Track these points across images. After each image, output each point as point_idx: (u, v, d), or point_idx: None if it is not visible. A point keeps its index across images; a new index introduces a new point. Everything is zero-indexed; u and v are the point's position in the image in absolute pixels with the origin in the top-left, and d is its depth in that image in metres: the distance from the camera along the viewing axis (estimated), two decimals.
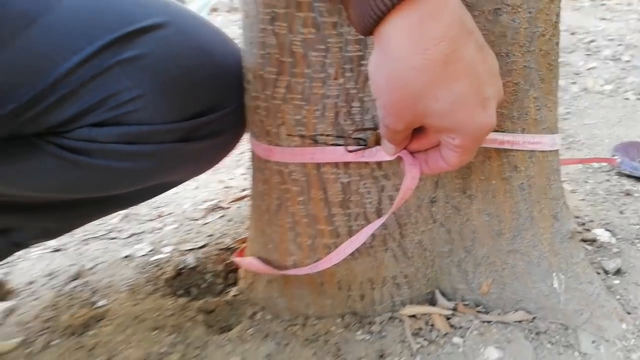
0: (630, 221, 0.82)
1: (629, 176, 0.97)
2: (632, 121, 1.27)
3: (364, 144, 0.50)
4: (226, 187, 1.02)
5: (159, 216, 0.91)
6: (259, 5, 0.48)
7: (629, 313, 0.59)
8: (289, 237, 0.56)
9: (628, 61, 2.00)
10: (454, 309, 0.58)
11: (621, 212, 0.85)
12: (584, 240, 0.76)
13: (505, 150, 0.51)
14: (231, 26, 2.51)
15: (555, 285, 0.55)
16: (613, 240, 0.76)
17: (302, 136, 0.51)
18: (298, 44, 0.47)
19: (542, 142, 0.51)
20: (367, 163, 0.51)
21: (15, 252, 0.66)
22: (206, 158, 0.60)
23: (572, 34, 2.54)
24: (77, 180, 0.53)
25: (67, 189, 0.55)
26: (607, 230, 0.79)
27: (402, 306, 0.58)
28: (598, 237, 0.76)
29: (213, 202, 0.92)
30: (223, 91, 0.55)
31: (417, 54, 0.33)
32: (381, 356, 0.53)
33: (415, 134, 0.44)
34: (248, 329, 0.57)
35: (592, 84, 1.80)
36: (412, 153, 0.45)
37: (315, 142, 0.51)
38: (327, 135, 0.50)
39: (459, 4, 0.35)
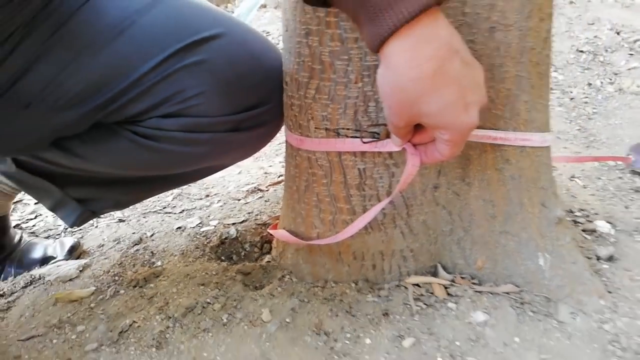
0: (633, 215, 0.88)
1: None
2: None
3: (377, 137, 0.60)
4: (265, 173, 1.14)
5: (207, 196, 1.04)
6: (296, 22, 0.59)
7: (610, 292, 0.67)
8: (314, 213, 0.67)
9: None
10: (452, 281, 0.67)
11: (626, 207, 0.91)
12: (584, 230, 0.83)
13: (499, 145, 0.60)
14: (277, 22, 2.63)
15: (541, 263, 0.64)
16: (612, 232, 0.83)
17: (327, 129, 0.62)
18: (326, 54, 0.58)
19: (532, 139, 0.60)
20: (379, 153, 0.61)
21: (91, 219, 0.80)
22: (250, 145, 0.72)
23: (618, 32, 2.50)
24: (146, 160, 0.66)
25: (137, 168, 0.69)
26: (609, 222, 0.85)
27: (408, 276, 0.69)
28: (598, 228, 0.83)
29: (253, 185, 1.05)
30: (267, 91, 0.66)
31: (412, 69, 0.43)
32: (385, 314, 0.63)
33: (417, 130, 0.54)
34: (277, 288, 0.69)
35: (629, 84, 1.81)
36: (415, 145, 0.55)
37: (337, 134, 0.61)
38: (348, 129, 0.61)
39: (448, 29, 0.44)
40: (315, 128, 0.62)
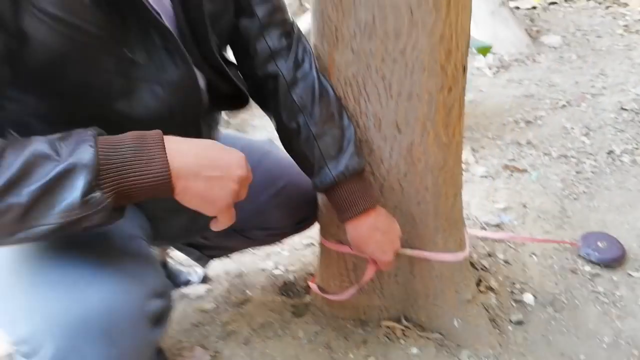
0: (555, 290, 1.29)
1: (584, 259, 1.40)
2: (631, 207, 1.62)
3: None
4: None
5: (281, 242, 1.62)
6: None
7: (501, 345, 1.13)
8: (330, 280, 1.20)
9: None
10: (407, 327, 1.17)
11: (555, 284, 1.32)
12: (514, 300, 1.27)
13: (427, 259, 1.09)
14: None
15: (456, 324, 1.12)
16: (533, 303, 1.26)
17: (335, 239, 1.14)
18: None
19: (446, 258, 1.08)
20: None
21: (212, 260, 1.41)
22: (299, 233, 1.28)
23: None
24: (247, 244, 1.24)
25: (243, 246, 1.27)
26: (534, 295, 1.28)
27: (383, 320, 1.20)
28: (524, 299, 1.27)
29: (310, 240, 1.60)
30: (311, 211, 1.19)
31: (355, 236, 0.95)
32: (364, 342, 1.16)
33: None
34: (310, 318, 1.24)
35: None
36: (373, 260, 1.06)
37: (341, 243, 1.14)
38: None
39: (376, 218, 0.94)
40: (330, 236, 1.15)
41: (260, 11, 0.85)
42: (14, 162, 0.54)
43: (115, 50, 0.66)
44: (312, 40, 0.98)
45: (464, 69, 0.95)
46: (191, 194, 0.63)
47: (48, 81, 0.64)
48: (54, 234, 0.56)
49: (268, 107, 0.95)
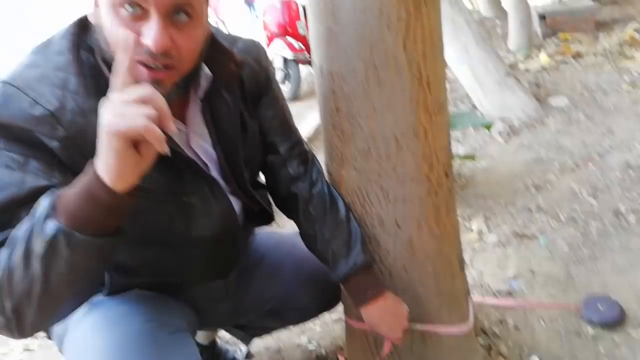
0: (560, 353, 1.44)
1: (587, 321, 1.54)
2: (632, 268, 1.75)
3: None
4: None
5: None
6: None
7: None
8: (355, 353, 1.39)
9: None
10: None
11: (561, 347, 1.46)
12: None
13: (435, 332, 1.27)
14: None
15: None
16: None
17: (356, 318, 1.35)
18: None
19: (451, 330, 1.26)
20: None
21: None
22: (328, 311, 1.49)
23: None
24: (280, 325, 1.46)
25: (277, 327, 1.49)
26: (540, 358, 1.42)
27: None
28: None
29: (340, 316, 1.79)
30: (337, 292, 1.41)
31: (369, 320, 1.15)
32: None
33: None
34: None
35: None
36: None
37: (362, 321, 1.34)
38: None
39: (385, 301, 1.14)
40: (352, 315, 1.36)
41: (282, 148, 1.12)
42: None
43: (174, 197, 0.92)
44: (324, 160, 1.24)
45: (446, 175, 1.19)
46: (114, 159, 0.65)
47: None
48: (58, 272, 0.68)
49: (292, 217, 1.20)
